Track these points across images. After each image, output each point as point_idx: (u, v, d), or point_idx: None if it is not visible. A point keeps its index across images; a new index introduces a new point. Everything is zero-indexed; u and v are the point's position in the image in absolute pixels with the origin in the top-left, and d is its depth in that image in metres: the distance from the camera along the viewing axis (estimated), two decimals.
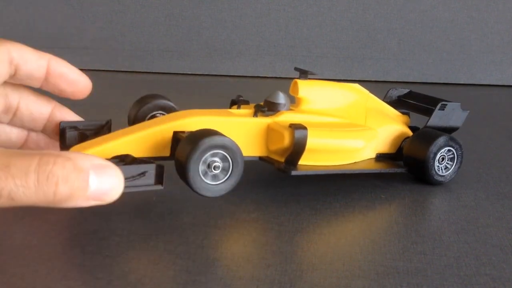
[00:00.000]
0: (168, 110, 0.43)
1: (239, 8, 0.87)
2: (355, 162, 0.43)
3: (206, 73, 0.87)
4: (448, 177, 0.43)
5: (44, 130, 0.40)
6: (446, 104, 0.45)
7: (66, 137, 0.39)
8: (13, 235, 0.35)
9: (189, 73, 0.87)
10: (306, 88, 0.42)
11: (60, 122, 0.40)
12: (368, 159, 0.44)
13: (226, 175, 0.36)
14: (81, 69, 0.38)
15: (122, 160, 0.35)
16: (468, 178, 0.46)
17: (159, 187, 0.34)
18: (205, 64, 0.87)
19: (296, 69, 0.44)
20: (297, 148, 0.39)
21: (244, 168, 0.36)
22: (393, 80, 0.84)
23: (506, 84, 0.85)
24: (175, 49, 0.87)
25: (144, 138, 0.37)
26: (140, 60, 0.87)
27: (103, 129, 0.41)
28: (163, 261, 0.32)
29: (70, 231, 0.36)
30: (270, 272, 0.31)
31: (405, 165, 0.44)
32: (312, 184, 0.42)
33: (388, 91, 0.50)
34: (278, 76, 0.88)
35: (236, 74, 0.87)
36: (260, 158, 0.41)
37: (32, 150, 0.38)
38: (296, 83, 0.43)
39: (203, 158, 0.35)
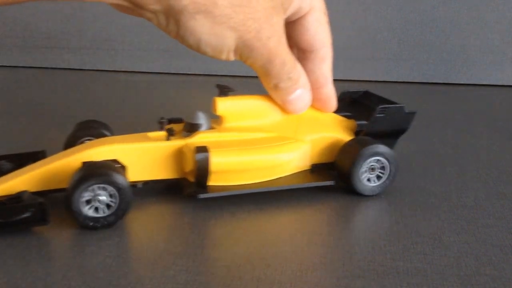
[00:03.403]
0: (97, 137, 0.43)
1: None
2: (279, 178, 0.41)
3: (206, 73, 0.87)
4: (381, 188, 0.42)
5: None
6: (386, 108, 0.43)
7: None
8: (13, 235, 0.35)
9: (189, 73, 0.87)
10: (225, 105, 0.41)
11: None
12: (299, 172, 0.42)
13: (111, 210, 0.36)
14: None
15: (19, 197, 0.36)
16: (468, 178, 0.46)
17: (44, 223, 0.35)
18: (205, 64, 0.87)
19: (217, 86, 0.43)
20: (200, 171, 0.38)
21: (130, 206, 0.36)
22: (393, 80, 0.84)
23: (506, 84, 0.85)
24: (175, 49, 0.87)
25: (53, 171, 0.38)
26: (140, 60, 0.87)
27: (36, 160, 0.41)
28: (163, 261, 0.32)
29: (70, 231, 0.36)
30: (270, 272, 0.31)
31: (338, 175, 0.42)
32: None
33: (341, 93, 0.48)
34: None
35: (236, 74, 0.86)
36: (178, 179, 0.41)
37: None
38: (214, 101, 0.42)
39: (88, 190, 0.35)
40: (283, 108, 0.42)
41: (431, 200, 0.42)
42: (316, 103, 0.44)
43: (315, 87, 0.43)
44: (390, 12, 0.84)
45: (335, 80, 0.44)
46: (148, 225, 0.37)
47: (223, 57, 0.38)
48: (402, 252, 0.34)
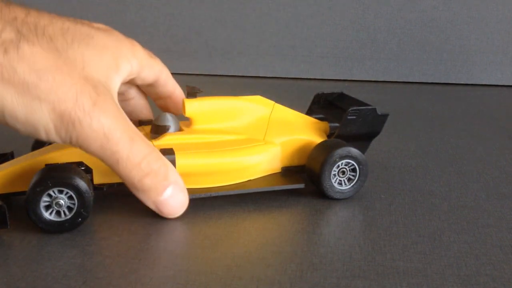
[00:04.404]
0: None
1: (239, 8, 0.87)
2: (248, 180, 0.41)
3: (206, 73, 0.87)
4: (352, 190, 0.41)
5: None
6: (358, 110, 0.42)
7: None
8: (13, 235, 0.35)
9: (189, 73, 0.87)
10: (193, 107, 0.41)
11: None
12: (268, 174, 0.42)
13: (71, 213, 0.35)
14: None
15: None
16: (468, 178, 0.46)
17: (4, 226, 0.34)
18: (205, 64, 0.87)
19: (186, 87, 0.42)
20: None
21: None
22: (393, 80, 0.84)
23: (506, 84, 0.85)
24: (175, 49, 0.87)
25: (17, 173, 0.37)
26: None
27: (2, 161, 0.40)
28: (163, 261, 0.32)
29: (70, 231, 0.36)
30: (270, 272, 0.31)
31: (308, 178, 0.42)
32: (312, 184, 0.42)
33: (315, 95, 0.48)
34: (278, 76, 0.88)
35: (236, 74, 0.87)
36: None
37: None
38: (183, 103, 0.41)
39: (45, 194, 0.34)
40: (158, 211, 0.37)
41: (431, 200, 0.42)
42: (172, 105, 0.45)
43: (167, 96, 0.44)
44: (390, 12, 0.84)
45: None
46: (147, 225, 0.37)
47: (42, 135, 0.33)
48: (402, 252, 0.34)
